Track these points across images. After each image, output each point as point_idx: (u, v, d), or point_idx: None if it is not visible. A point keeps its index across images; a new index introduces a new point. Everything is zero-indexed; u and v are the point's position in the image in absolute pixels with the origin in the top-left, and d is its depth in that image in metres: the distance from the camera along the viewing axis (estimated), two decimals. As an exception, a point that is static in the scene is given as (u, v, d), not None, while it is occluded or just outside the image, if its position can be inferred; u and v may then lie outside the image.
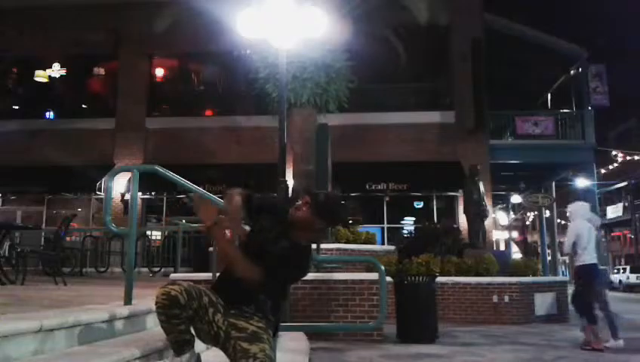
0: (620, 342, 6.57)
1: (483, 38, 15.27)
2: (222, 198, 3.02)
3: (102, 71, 17.57)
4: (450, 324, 9.01)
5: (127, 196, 13.61)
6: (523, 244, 37.28)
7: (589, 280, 6.68)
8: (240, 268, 2.56)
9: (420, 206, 15.70)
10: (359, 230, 10.93)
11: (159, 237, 13.47)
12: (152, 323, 3.50)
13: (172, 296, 2.44)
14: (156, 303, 2.47)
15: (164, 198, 15.54)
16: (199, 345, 2.76)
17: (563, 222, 41.14)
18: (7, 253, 6.88)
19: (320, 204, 2.67)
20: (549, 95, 19.56)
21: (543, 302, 10.29)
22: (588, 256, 6.64)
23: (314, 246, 6.11)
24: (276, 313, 2.72)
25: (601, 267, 7.09)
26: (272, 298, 2.67)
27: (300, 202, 2.70)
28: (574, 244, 6.69)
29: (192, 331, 2.60)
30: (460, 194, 14.18)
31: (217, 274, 2.81)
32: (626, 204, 35.27)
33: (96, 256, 11.56)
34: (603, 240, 31.56)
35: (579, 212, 7.02)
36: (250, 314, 2.59)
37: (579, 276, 6.78)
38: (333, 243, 9.47)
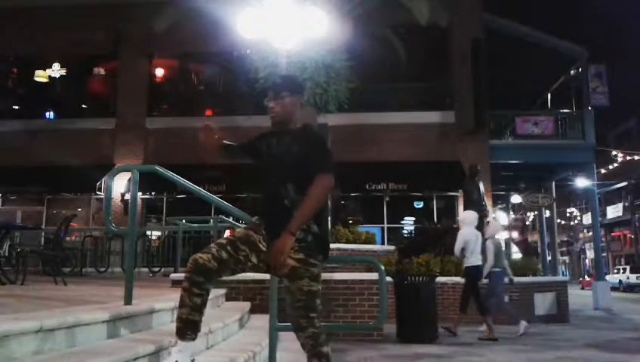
0: (523, 324, 7.82)
1: (483, 38, 15.26)
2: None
3: (102, 71, 17.56)
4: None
5: (127, 196, 13.61)
6: (523, 244, 37.30)
7: (476, 278, 7.81)
8: (324, 193, 2.62)
9: (420, 206, 15.70)
10: (359, 230, 10.94)
11: (159, 237, 13.47)
12: (153, 323, 3.50)
13: (199, 263, 2.47)
14: (186, 270, 2.52)
15: (164, 198, 15.54)
16: (199, 346, 2.76)
17: (563, 222, 41.35)
18: (7, 252, 6.88)
19: (293, 83, 2.94)
20: (549, 95, 19.54)
21: (542, 302, 10.31)
22: (474, 259, 7.72)
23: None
24: (322, 223, 2.69)
25: (498, 269, 8.12)
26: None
27: (275, 102, 2.80)
28: (463, 249, 7.74)
29: (202, 321, 2.59)
30: (459, 194, 14.18)
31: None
32: (626, 204, 35.27)
33: (96, 256, 11.56)
34: (603, 239, 31.54)
35: (467, 220, 8.08)
36: (297, 242, 2.55)
37: (466, 275, 7.87)
38: (333, 243, 9.47)
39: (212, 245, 2.60)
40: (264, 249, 2.61)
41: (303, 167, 2.62)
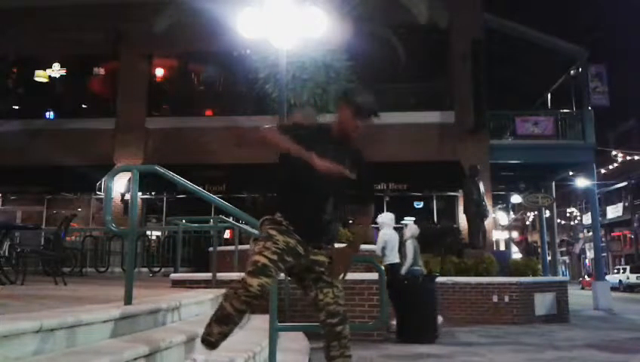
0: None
1: (483, 38, 15.26)
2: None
3: (102, 71, 17.56)
4: (450, 324, 9.01)
5: (127, 196, 13.60)
6: (523, 244, 37.30)
7: (395, 274, 8.22)
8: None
9: (420, 206, 15.69)
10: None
11: (159, 237, 13.46)
12: (152, 324, 3.49)
13: (266, 289, 2.58)
14: (249, 293, 2.53)
15: (164, 198, 15.54)
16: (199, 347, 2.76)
17: (563, 222, 41.35)
18: (7, 253, 6.88)
19: (355, 101, 2.89)
20: (549, 95, 19.54)
21: (543, 302, 10.30)
22: (392, 257, 8.33)
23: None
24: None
25: (417, 268, 8.61)
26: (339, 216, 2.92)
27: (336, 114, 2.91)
28: (383, 248, 8.35)
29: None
30: (459, 194, 14.17)
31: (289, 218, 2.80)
32: (626, 204, 35.28)
33: (96, 256, 11.57)
34: (602, 239, 31.55)
35: (386, 222, 8.71)
36: (325, 246, 2.81)
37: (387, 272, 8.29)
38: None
39: (268, 263, 2.59)
40: (303, 253, 2.73)
41: (348, 187, 2.82)
